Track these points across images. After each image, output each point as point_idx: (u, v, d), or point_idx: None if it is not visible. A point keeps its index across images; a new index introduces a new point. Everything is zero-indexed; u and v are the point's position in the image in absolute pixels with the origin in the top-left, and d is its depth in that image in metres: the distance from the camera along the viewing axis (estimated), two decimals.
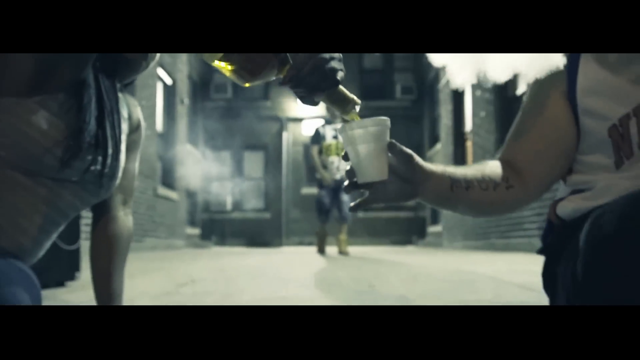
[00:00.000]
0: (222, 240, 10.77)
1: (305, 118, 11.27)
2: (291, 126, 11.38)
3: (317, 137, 5.15)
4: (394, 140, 0.74)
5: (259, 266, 3.50)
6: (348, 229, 5.37)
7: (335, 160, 5.10)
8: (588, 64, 0.84)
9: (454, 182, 0.82)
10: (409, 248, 9.00)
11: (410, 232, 11.00)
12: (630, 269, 0.57)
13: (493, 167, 0.88)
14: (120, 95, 0.96)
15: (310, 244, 10.08)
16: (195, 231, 9.83)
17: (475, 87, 7.03)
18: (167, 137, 7.77)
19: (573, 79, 0.86)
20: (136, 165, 1.06)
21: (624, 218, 0.59)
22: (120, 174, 0.94)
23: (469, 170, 0.85)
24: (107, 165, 0.88)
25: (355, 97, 0.76)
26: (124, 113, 0.97)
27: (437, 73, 9.60)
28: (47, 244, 0.91)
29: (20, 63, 0.79)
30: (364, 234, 10.73)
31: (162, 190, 7.18)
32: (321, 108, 10.55)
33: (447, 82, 8.81)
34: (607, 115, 0.80)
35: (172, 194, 7.72)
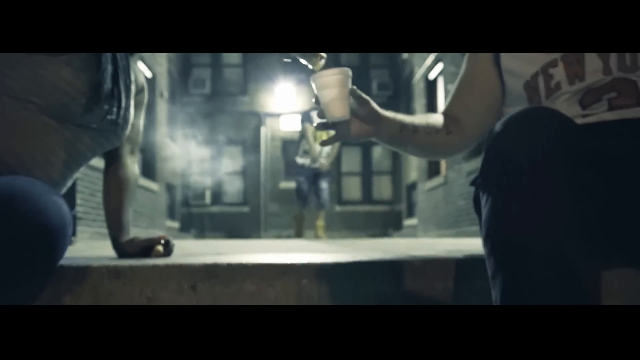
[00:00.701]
0: (201, 233, 10.88)
1: (283, 113, 11.45)
2: (269, 121, 11.54)
3: (308, 116, 5.31)
4: (354, 87, 0.95)
5: (243, 245, 3.67)
6: (326, 220, 5.57)
7: (314, 147, 5.30)
8: None
9: (403, 126, 1.03)
10: (385, 240, 9.26)
11: (386, 226, 11.28)
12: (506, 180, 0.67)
13: (436, 117, 1.09)
14: (128, 60, 1.15)
15: (288, 237, 10.26)
16: (175, 224, 9.93)
17: (447, 81, 7.33)
18: (146, 129, 7.86)
19: None
20: (141, 123, 1.24)
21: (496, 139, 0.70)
22: (129, 126, 1.13)
23: (417, 119, 1.06)
24: (120, 116, 1.07)
25: (322, 53, 0.96)
26: (131, 76, 1.16)
27: (412, 69, 9.90)
28: (69, 182, 1.09)
29: None
30: (342, 227, 10.96)
31: (143, 181, 7.28)
32: (299, 104, 10.75)
33: (421, 76, 9.10)
34: (522, 74, 1.02)
35: (153, 185, 7.82)
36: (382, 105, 1.00)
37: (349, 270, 0.91)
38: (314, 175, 5.30)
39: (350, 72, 0.93)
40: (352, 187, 11.84)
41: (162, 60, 8.49)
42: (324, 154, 5.31)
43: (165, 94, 8.72)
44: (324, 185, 5.25)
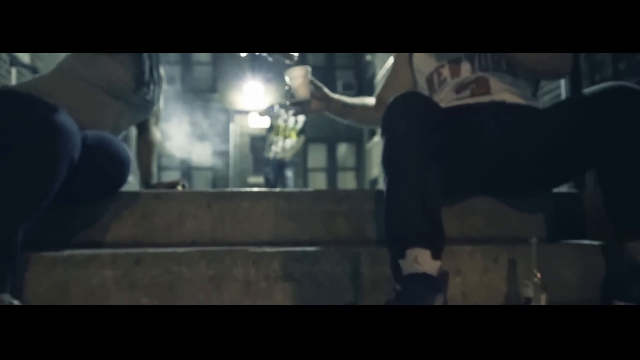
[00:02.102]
0: None
1: (251, 110, 11.89)
2: (238, 118, 11.96)
3: (271, 109, 5.92)
4: (313, 78, 1.46)
5: None
6: None
7: (280, 141, 5.91)
8: None
9: (345, 104, 1.55)
10: None
11: None
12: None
13: (369, 100, 1.61)
14: (158, 58, 1.62)
15: None
16: None
17: None
18: None
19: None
20: (162, 102, 1.71)
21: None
22: (157, 104, 1.60)
23: (356, 100, 1.59)
24: (154, 96, 1.54)
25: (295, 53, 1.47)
26: (160, 69, 1.63)
27: (374, 70, 10.50)
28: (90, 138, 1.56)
29: None
30: None
31: None
32: (267, 101, 11.19)
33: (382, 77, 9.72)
34: (425, 72, 1.55)
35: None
36: None
37: (314, 194, 1.42)
38: (280, 166, 5.90)
39: (310, 69, 1.44)
40: (318, 182, 12.38)
41: None
42: (287, 147, 5.92)
43: None
44: (289, 174, 5.88)
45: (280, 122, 5.95)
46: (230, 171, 11.78)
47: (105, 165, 1.24)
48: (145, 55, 1.52)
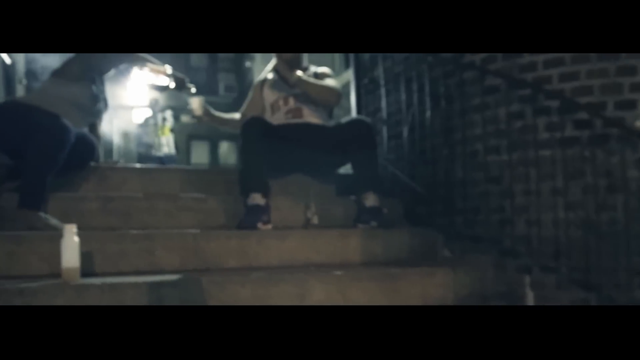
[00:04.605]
0: None
1: (134, 107, 12.30)
2: (120, 113, 12.30)
3: (156, 103, 6.84)
4: (205, 103, 2.53)
5: None
6: None
7: (162, 140, 6.88)
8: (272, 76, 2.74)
9: (222, 119, 2.65)
10: None
11: None
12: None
13: (237, 115, 2.73)
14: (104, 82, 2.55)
15: None
16: None
17: None
18: None
19: (263, 81, 2.75)
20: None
21: None
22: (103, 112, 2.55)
23: (228, 115, 2.70)
24: (102, 108, 2.49)
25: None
26: (105, 89, 2.56)
27: (253, 76, 11.61)
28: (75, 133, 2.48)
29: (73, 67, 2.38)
30: None
31: None
32: (149, 98, 11.74)
33: None
34: (270, 100, 2.69)
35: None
36: (228, 105, 2.62)
37: (205, 170, 2.49)
38: (160, 160, 6.82)
39: (203, 98, 2.51)
40: None
41: None
42: (165, 143, 6.93)
43: (24, 81, 9.15)
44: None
45: (159, 121, 6.94)
46: None
47: (83, 150, 2.19)
48: (98, 82, 2.48)
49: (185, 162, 12.05)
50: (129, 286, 1.59)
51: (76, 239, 1.59)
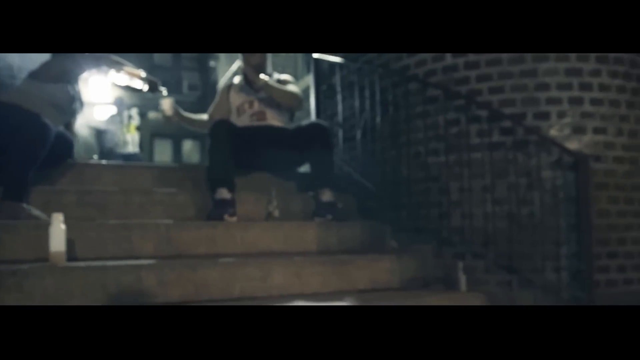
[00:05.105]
0: None
1: (97, 103, 12.20)
2: (85, 111, 12.17)
3: (121, 102, 6.95)
4: (175, 105, 2.75)
5: None
6: None
7: (128, 138, 6.98)
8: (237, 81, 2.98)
9: (190, 119, 2.87)
10: None
11: None
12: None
13: (204, 116, 2.96)
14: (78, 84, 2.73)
15: None
16: None
17: None
18: None
19: (230, 85, 2.99)
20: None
21: None
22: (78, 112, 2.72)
23: (196, 116, 2.92)
24: (78, 108, 2.67)
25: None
26: (80, 91, 2.74)
27: (217, 76, 11.74)
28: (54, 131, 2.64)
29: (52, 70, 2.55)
30: None
31: None
32: (112, 95, 11.69)
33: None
34: (236, 104, 2.93)
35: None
36: (192, 104, 2.84)
37: (174, 167, 2.71)
38: (124, 158, 6.94)
39: (173, 99, 2.72)
40: None
41: None
42: (130, 141, 7.06)
43: None
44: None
45: (124, 119, 7.05)
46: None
47: (62, 147, 2.37)
48: (74, 82, 2.66)
49: (148, 160, 12.05)
50: (111, 268, 1.81)
51: (63, 226, 1.80)
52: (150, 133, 12.09)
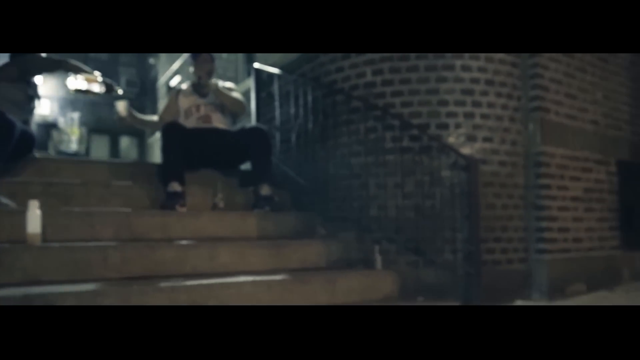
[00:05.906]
0: None
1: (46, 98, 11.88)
2: None
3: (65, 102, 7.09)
4: (130, 106, 3.06)
5: None
6: None
7: (72, 137, 7.14)
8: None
9: (142, 120, 3.20)
10: None
11: None
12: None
13: (155, 117, 3.29)
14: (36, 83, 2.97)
15: None
16: None
17: None
18: None
19: (179, 90, 3.33)
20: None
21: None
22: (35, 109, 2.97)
23: (148, 117, 3.25)
24: (35, 105, 2.92)
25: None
26: (38, 89, 2.98)
27: (157, 73, 11.81)
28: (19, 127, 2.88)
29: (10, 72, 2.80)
30: None
31: None
32: (52, 91, 11.44)
33: (165, 82, 11.10)
34: (185, 107, 3.28)
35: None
36: (130, 101, 3.13)
37: (127, 163, 3.02)
38: (68, 155, 7.06)
39: (128, 101, 3.04)
40: None
41: None
42: (74, 140, 7.18)
43: None
44: None
45: (68, 119, 7.18)
46: None
47: (25, 142, 2.64)
48: (32, 83, 2.91)
49: (84, 156, 11.89)
50: (80, 248, 2.13)
51: (38, 211, 2.11)
52: (87, 128, 11.96)
